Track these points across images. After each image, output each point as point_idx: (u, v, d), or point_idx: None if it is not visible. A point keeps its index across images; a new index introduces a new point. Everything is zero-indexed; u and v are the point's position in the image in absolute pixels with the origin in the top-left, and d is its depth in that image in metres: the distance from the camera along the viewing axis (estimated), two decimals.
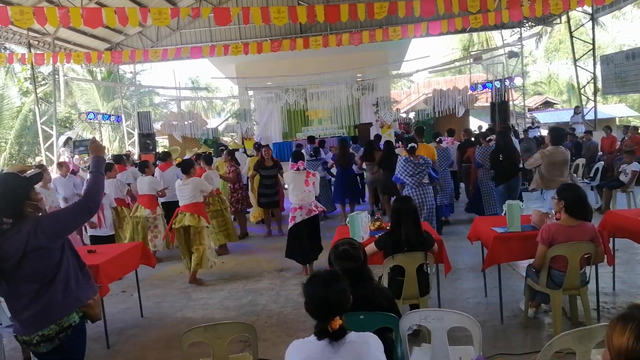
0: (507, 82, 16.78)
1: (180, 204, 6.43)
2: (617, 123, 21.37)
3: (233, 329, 2.76)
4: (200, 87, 31.47)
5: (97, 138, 21.99)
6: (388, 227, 4.29)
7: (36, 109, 15.66)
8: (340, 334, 2.02)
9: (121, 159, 8.55)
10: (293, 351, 2.08)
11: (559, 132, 6.27)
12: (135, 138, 18.30)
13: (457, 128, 14.25)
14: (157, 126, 21.02)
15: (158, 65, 24.07)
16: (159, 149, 19.02)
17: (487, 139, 8.10)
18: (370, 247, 4.16)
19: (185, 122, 17.72)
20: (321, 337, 2.03)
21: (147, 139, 17.11)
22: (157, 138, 20.01)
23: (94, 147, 2.98)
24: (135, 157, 15.70)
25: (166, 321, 5.05)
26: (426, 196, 6.38)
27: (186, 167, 6.57)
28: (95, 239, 6.53)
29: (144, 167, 7.69)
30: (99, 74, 23.51)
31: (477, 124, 20.29)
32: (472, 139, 9.85)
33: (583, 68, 16.68)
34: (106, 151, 19.80)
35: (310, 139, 11.43)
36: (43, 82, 21.44)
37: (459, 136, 11.47)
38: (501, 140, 7.37)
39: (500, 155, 7.06)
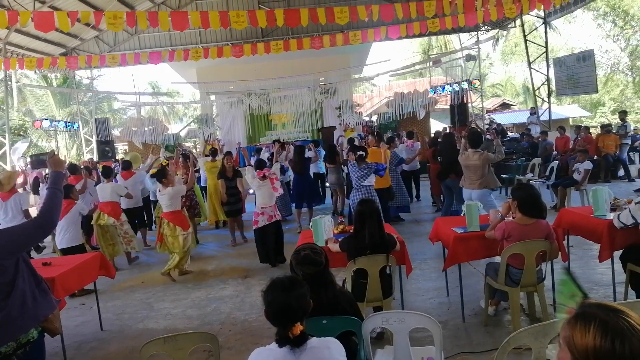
0: (465, 85, 17.16)
1: (163, 210, 6.67)
2: (571, 123, 22.15)
3: (194, 339, 2.71)
4: (160, 93, 30.89)
5: (54, 146, 21.33)
6: (351, 230, 4.32)
7: None
8: (301, 339, 2.01)
9: (76, 169, 8.32)
10: (255, 358, 2.06)
11: (476, 136, 6.54)
12: (94, 145, 17.81)
13: (419, 130, 14.51)
14: (116, 132, 20.54)
15: (117, 70, 23.53)
16: (119, 156, 18.60)
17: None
18: (335, 247, 4.20)
19: (146, 128, 17.35)
20: (282, 344, 2.01)
21: (105, 146, 16.70)
22: (116, 145, 19.56)
23: (54, 162, 2.88)
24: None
25: (127, 333, 4.92)
26: (370, 197, 6.64)
27: (159, 177, 6.54)
28: (65, 251, 6.26)
29: (108, 173, 7.56)
30: (54, 80, 22.77)
31: (438, 126, 20.68)
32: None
33: (537, 70, 17.21)
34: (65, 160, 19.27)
35: (276, 142, 11.38)
36: None
37: (420, 138, 11.79)
38: (440, 143, 7.86)
39: (439, 157, 7.44)
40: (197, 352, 3.94)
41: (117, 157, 17.26)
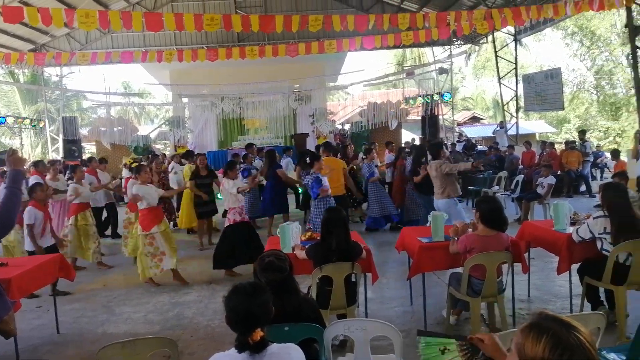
0: (437, 97, 17.46)
1: None
2: (537, 138, 22.77)
3: (153, 344, 2.66)
4: (132, 93, 30.41)
5: (18, 144, 20.74)
6: (318, 237, 4.32)
7: None
8: (261, 345, 2.00)
9: (38, 165, 8.15)
10: None
11: (434, 148, 6.80)
12: (60, 144, 17.39)
13: (390, 140, 14.67)
14: (84, 132, 20.11)
15: (88, 69, 23.08)
16: (85, 156, 18.19)
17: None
18: (301, 254, 4.20)
19: (115, 129, 17.03)
20: (242, 350, 2.00)
21: (72, 145, 16.33)
22: (83, 144, 19.14)
23: (13, 160, 2.79)
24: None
25: (85, 337, 4.79)
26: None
27: (136, 171, 6.60)
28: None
29: (74, 171, 7.41)
30: (22, 76, 22.18)
31: (410, 136, 20.97)
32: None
33: (507, 86, 17.63)
34: (28, 158, 18.72)
35: (249, 147, 11.30)
36: None
37: (391, 149, 11.96)
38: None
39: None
40: (157, 357, 3.87)
41: (83, 157, 16.88)
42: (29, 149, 22.88)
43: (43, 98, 20.00)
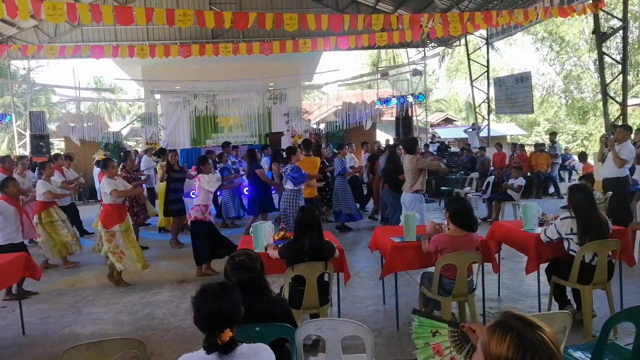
0: (410, 98, 17.61)
1: None
2: (508, 141, 23.19)
3: (120, 345, 2.60)
4: (103, 88, 29.76)
5: None
6: (291, 237, 4.31)
7: None
8: (230, 346, 1.98)
9: (5, 161, 7.93)
10: None
11: (410, 142, 6.98)
12: (27, 139, 16.90)
13: (365, 140, 14.76)
14: (52, 127, 19.59)
15: (58, 63, 22.50)
16: (54, 152, 17.72)
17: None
18: (274, 254, 4.17)
19: (85, 124, 16.62)
20: (210, 351, 1.97)
21: (40, 141, 15.88)
22: (52, 140, 18.64)
23: None
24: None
25: (51, 338, 4.66)
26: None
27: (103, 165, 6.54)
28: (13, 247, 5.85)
29: (44, 167, 7.21)
30: None
31: (384, 137, 21.11)
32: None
33: (479, 89, 17.91)
34: None
35: (225, 145, 11.18)
36: None
37: (371, 148, 12.11)
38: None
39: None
40: (125, 359, 3.80)
41: (52, 153, 16.44)
42: None
43: (9, 92, 19.39)
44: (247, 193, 9.59)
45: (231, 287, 2.16)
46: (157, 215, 9.54)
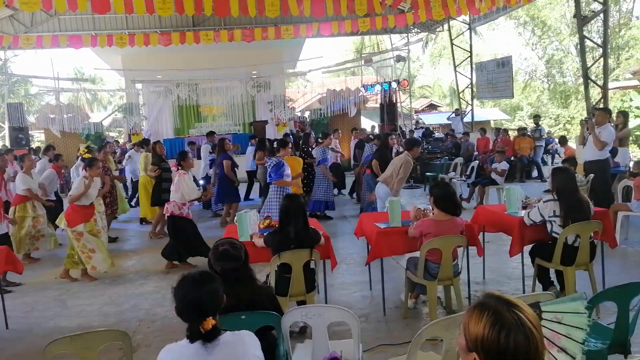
0: (395, 85, 17.60)
1: None
2: (492, 125, 23.35)
3: (104, 337, 2.57)
4: (82, 79, 29.23)
5: None
6: (277, 225, 4.29)
7: None
8: (213, 334, 1.97)
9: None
10: (164, 356, 1.99)
11: (409, 141, 7.04)
12: (6, 131, 16.57)
13: (349, 127, 14.74)
14: (31, 119, 19.22)
15: (35, 53, 21.98)
16: (34, 144, 17.44)
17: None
18: (259, 242, 4.16)
19: (65, 116, 16.33)
20: (194, 340, 1.96)
21: (19, 133, 15.57)
22: (31, 132, 18.31)
23: None
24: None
25: (35, 332, 4.61)
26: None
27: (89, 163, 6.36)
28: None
29: (23, 160, 7.04)
30: None
31: (369, 123, 21.09)
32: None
33: (462, 74, 17.95)
34: None
35: (210, 134, 11.05)
36: None
37: (356, 135, 12.09)
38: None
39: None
40: (112, 350, 3.73)
41: (31, 145, 16.16)
42: None
43: None
44: None
45: (212, 276, 2.15)
46: (126, 212, 9.46)
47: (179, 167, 6.55)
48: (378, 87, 18.27)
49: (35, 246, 7.03)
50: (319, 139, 9.85)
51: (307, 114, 20.77)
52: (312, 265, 4.07)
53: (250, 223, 4.58)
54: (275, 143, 7.46)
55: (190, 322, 1.98)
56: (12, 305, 5.14)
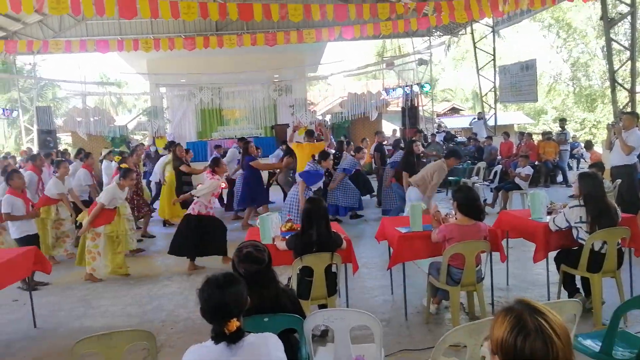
0: (416, 88, 17.50)
1: None
2: (515, 129, 23.04)
3: (130, 337, 2.61)
4: (108, 82, 29.80)
5: None
6: (299, 228, 4.31)
7: None
8: (237, 336, 1.99)
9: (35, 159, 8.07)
10: (189, 357, 2.02)
11: (451, 151, 7.18)
12: (34, 134, 16.98)
13: (370, 131, 14.71)
14: (59, 122, 19.66)
15: (62, 58, 22.54)
16: (61, 147, 17.81)
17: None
18: (282, 245, 4.18)
19: (91, 119, 16.67)
20: (218, 341, 1.98)
21: (47, 136, 15.95)
22: (58, 135, 18.72)
23: None
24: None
25: (62, 331, 4.71)
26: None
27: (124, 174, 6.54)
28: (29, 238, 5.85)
29: (59, 166, 7.27)
30: None
31: (390, 127, 21.03)
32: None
33: (485, 77, 17.77)
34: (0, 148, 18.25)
35: (241, 140, 11.11)
36: None
37: (372, 139, 12.01)
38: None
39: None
40: (135, 351, 3.82)
41: (59, 148, 16.51)
42: (3, 140, 22.31)
43: (16, 87, 19.45)
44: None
45: (236, 277, 2.17)
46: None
47: (213, 173, 6.58)
48: (400, 91, 18.19)
49: (64, 248, 7.23)
50: (353, 155, 9.71)
51: (328, 117, 20.79)
52: (333, 269, 4.07)
53: (272, 226, 4.61)
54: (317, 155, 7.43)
55: (214, 324, 2.01)
56: (39, 304, 5.25)
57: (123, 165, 7.00)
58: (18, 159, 13.39)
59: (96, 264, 6.15)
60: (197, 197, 6.46)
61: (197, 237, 6.37)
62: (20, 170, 8.18)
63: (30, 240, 5.70)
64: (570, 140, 14.97)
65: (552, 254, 4.51)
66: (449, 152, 6.95)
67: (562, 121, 14.64)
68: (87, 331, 4.50)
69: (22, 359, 4.17)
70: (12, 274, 4.46)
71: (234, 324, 1.97)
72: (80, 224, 6.53)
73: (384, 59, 22.97)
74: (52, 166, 8.73)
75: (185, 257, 6.48)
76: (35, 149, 15.90)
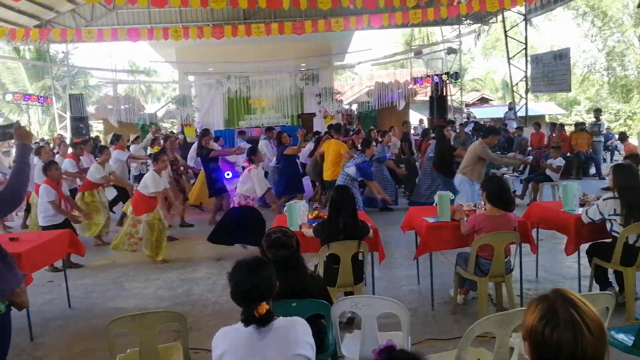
0: (445, 77, 17.26)
1: None
2: (547, 120, 22.53)
3: (162, 318, 2.69)
4: (138, 70, 30.26)
5: (25, 121, 20.76)
6: (325, 217, 4.33)
7: None
8: (267, 319, 2.02)
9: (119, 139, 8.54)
10: (220, 338, 2.06)
11: (486, 129, 6.93)
12: (67, 121, 17.40)
13: (397, 121, 14.58)
14: (91, 109, 20.09)
15: (93, 46, 22.94)
16: (93, 134, 18.20)
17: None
18: (309, 233, 4.21)
19: (122, 106, 17.00)
20: (248, 324, 2.02)
21: (79, 123, 16.33)
22: (90, 122, 19.13)
23: (20, 134, 2.76)
24: (67, 141, 14.91)
25: (95, 312, 4.86)
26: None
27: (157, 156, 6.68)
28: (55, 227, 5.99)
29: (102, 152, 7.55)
30: (28, 53, 22.07)
31: (417, 117, 20.82)
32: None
33: (516, 67, 17.41)
34: (35, 135, 18.78)
35: (270, 130, 11.19)
36: None
37: (400, 129, 11.88)
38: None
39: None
40: (166, 332, 3.93)
41: (91, 135, 16.88)
42: (37, 127, 22.93)
43: (49, 75, 19.93)
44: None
45: (265, 261, 2.20)
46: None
47: (250, 162, 6.64)
48: (428, 80, 17.98)
49: (107, 229, 7.48)
50: (380, 140, 9.66)
51: (354, 106, 20.71)
52: (360, 257, 4.08)
53: (299, 213, 4.64)
54: (361, 143, 7.41)
55: (244, 307, 2.04)
56: (74, 286, 5.43)
57: (154, 150, 7.14)
58: (51, 145, 13.73)
59: (140, 249, 6.34)
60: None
61: (235, 226, 6.44)
62: (58, 156, 8.47)
63: (57, 229, 5.86)
64: (604, 131, 14.55)
65: (584, 247, 4.43)
66: (486, 131, 6.89)
67: (597, 112, 14.22)
68: (119, 312, 4.62)
69: (59, 337, 4.33)
70: (48, 256, 4.60)
71: (264, 307, 2.00)
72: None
73: (412, 47, 22.68)
74: (90, 154, 8.96)
75: (222, 244, 6.55)
76: (68, 136, 16.31)
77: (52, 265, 5.72)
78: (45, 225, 5.98)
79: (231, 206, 6.72)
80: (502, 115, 18.79)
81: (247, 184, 6.52)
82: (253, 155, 6.66)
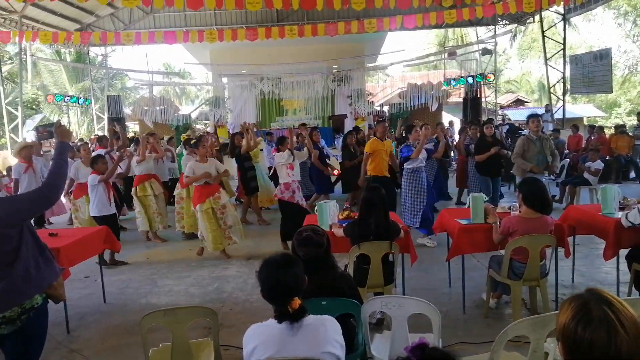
0: (479, 79, 16.97)
1: None
2: (585, 123, 21.89)
3: (193, 313, 2.73)
4: (173, 72, 30.87)
5: (65, 121, 21.42)
6: (356, 217, 4.31)
7: (0, 88, 15.05)
8: (299, 314, 2.02)
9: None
10: (251, 334, 2.07)
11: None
12: (105, 122, 17.88)
13: (430, 122, 14.39)
14: (127, 110, 20.60)
15: (129, 49, 23.51)
16: (129, 135, 18.60)
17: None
18: (339, 232, 4.20)
19: (157, 108, 17.35)
20: (282, 320, 2.03)
21: (117, 123, 16.73)
22: (127, 123, 19.61)
23: (60, 132, 2.86)
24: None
25: (129, 307, 4.98)
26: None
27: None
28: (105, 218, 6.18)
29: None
30: (68, 55, 22.81)
31: (450, 118, 20.54)
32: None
33: (554, 67, 16.98)
34: (75, 135, 19.37)
35: (302, 126, 11.18)
36: (9, 61, 20.71)
37: (434, 130, 11.68)
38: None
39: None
40: (197, 329, 3.99)
41: (127, 136, 17.28)
42: (76, 127, 23.63)
43: (89, 77, 20.54)
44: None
45: (292, 258, 2.21)
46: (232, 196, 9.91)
47: (278, 150, 6.91)
48: (461, 81, 17.71)
49: (164, 224, 7.66)
50: (404, 135, 9.56)
51: (386, 108, 20.57)
52: (390, 258, 4.05)
53: (329, 213, 4.64)
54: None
55: (276, 303, 2.05)
56: (109, 282, 5.57)
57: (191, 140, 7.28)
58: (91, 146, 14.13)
59: (207, 241, 6.46)
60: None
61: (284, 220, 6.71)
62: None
63: (107, 220, 6.03)
64: None
65: (623, 252, 4.28)
66: (527, 117, 6.83)
67: None
68: (152, 308, 4.73)
69: (94, 331, 4.45)
70: (84, 252, 4.73)
71: (297, 302, 2.01)
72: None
73: (446, 48, 22.39)
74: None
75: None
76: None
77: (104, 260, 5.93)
78: (96, 215, 6.16)
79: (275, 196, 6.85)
80: None
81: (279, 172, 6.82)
82: (281, 145, 6.93)
